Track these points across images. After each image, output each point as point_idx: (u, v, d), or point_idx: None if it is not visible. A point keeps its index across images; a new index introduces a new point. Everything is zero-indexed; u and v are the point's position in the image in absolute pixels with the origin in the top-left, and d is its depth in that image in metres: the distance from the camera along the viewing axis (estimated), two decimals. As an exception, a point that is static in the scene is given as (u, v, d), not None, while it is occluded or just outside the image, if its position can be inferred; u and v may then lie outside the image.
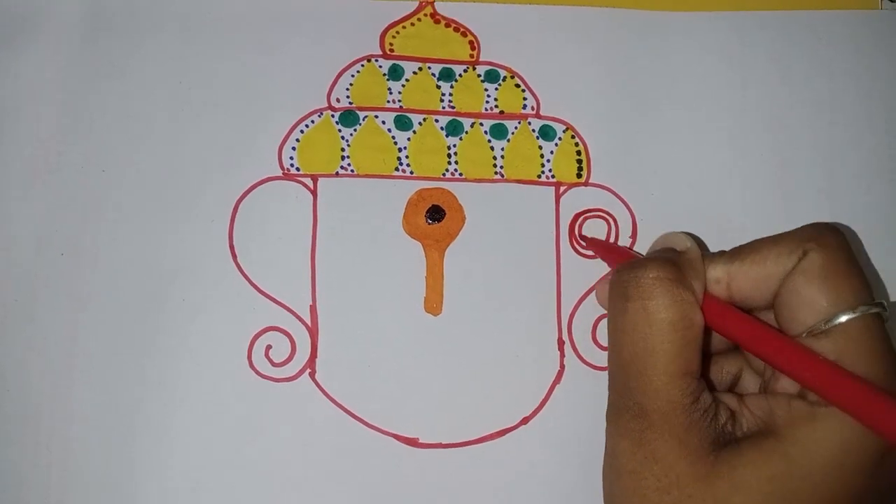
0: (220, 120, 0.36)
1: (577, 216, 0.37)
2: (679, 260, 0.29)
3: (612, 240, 0.37)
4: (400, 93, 0.37)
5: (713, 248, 0.37)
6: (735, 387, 0.32)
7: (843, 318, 0.27)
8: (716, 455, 0.27)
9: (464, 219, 0.36)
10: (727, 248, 0.36)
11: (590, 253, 0.36)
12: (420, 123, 0.36)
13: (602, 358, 0.36)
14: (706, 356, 0.31)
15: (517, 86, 0.37)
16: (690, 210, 0.37)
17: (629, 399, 0.28)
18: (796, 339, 0.28)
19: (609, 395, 0.30)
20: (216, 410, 0.34)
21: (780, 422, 0.27)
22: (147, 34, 0.36)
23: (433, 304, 0.35)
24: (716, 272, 0.29)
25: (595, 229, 0.36)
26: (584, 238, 0.36)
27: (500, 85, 0.37)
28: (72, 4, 0.36)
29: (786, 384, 0.28)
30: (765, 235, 0.37)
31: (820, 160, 0.38)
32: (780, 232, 0.37)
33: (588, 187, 0.37)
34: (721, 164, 0.37)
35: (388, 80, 0.37)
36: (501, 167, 0.37)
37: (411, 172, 0.36)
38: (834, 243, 0.28)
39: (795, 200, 0.37)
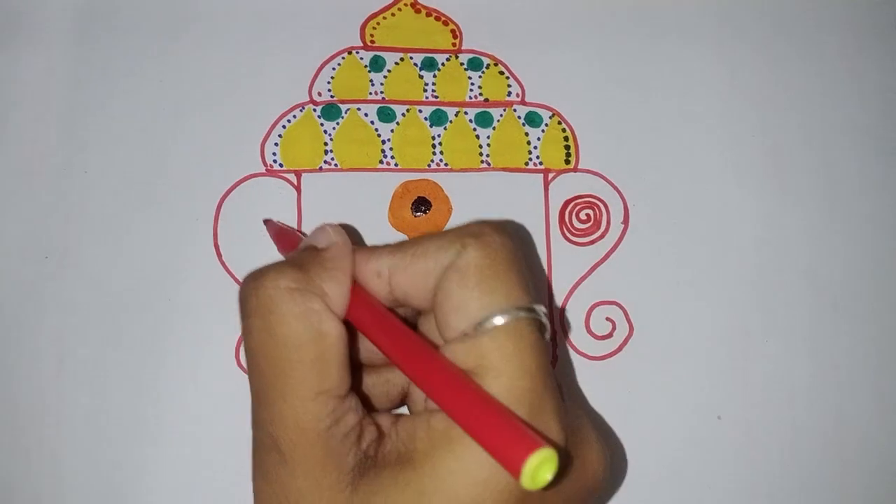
0: (202, 118, 0.35)
1: (567, 203, 0.36)
2: (309, 260, 0.25)
3: (604, 226, 0.36)
4: (382, 84, 0.36)
5: (708, 232, 0.36)
6: (405, 402, 0.29)
7: (493, 323, 0.23)
8: (353, 488, 0.23)
9: (450, 210, 0.35)
10: (724, 232, 0.36)
11: (581, 241, 0.36)
12: (403, 114, 0.36)
13: (596, 347, 0.35)
14: (357, 367, 0.27)
15: (501, 73, 0.37)
16: (684, 193, 0.36)
17: (262, 431, 0.24)
18: (432, 346, 0.24)
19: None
20: (205, 410, 0.33)
21: (420, 446, 0.23)
22: (126, 34, 0.36)
23: (422, 297, 0.35)
24: (377, 264, 0.26)
25: (586, 216, 0.36)
26: (265, 221, 0.33)
27: (483, 73, 0.37)
28: (50, 7, 0.36)
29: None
30: (759, 217, 0.36)
31: (812, 142, 0.37)
32: (772, 214, 0.36)
33: (577, 173, 0.36)
34: (712, 147, 0.37)
35: (369, 71, 0.36)
36: (488, 156, 0.36)
37: (396, 164, 0.36)
38: (495, 242, 0.24)
39: (788, 181, 0.37)
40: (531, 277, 0.25)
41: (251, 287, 0.25)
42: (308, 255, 0.26)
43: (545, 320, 0.24)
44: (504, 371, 0.23)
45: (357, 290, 0.25)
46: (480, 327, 0.23)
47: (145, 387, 0.33)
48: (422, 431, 0.24)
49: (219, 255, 0.34)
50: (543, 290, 0.35)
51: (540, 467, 0.20)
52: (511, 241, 0.25)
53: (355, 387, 0.26)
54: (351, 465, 0.24)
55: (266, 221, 0.33)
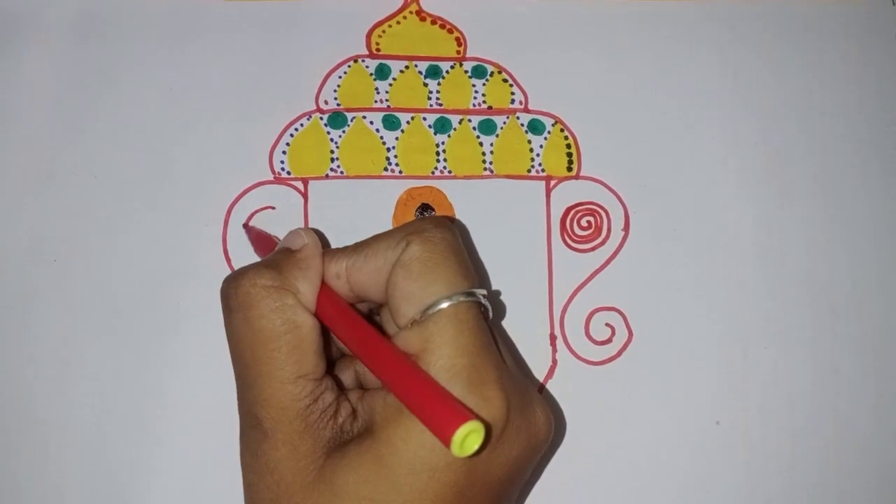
0: (211, 125, 0.36)
1: (568, 210, 0.36)
2: (283, 261, 0.28)
3: (604, 233, 0.36)
4: (387, 92, 0.37)
5: (708, 239, 0.36)
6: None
7: (437, 308, 0.26)
8: (326, 458, 0.26)
9: (453, 216, 0.36)
10: (724, 239, 0.36)
11: (582, 247, 0.36)
12: (408, 122, 0.37)
13: (595, 353, 0.35)
14: (332, 355, 0.30)
15: (504, 80, 0.37)
16: (684, 200, 0.37)
17: (247, 412, 0.27)
18: (386, 333, 0.27)
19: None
20: (213, 413, 0.34)
21: (378, 419, 0.26)
22: (137, 41, 0.37)
23: (425, 302, 0.35)
24: (336, 267, 0.29)
25: (587, 222, 0.36)
26: (245, 227, 0.35)
27: (487, 80, 0.37)
28: (63, 11, 0.37)
29: None
30: (758, 224, 0.37)
31: (812, 149, 0.37)
32: (772, 222, 0.37)
33: (579, 180, 0.37)
34: (714, 154, 0.37)
35: (375, 79, 0.37)
36: (491, 163, 0.36)
37: (400, 172, 0.36)
38: (435, 236, 0.27)
39: (789, 188, 0.37)
40: (471, 265, 0.28)
41: (232, 286, 0.28)
42: (283, 257, 0.29)
43: (485, 301, 0.27)
44: (445, 352, 0.26)
45: (323, 288, 0.28)
46: (426, 313, 0.26)
47: (153, 390, 0.34)
48: (379, 406, 0.27)
49: (227, 260, 0.35)
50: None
51: (468, 438, 0.23)
52: (451, 233, 0.28)
53: (331, 370, 0.29)
54: (327, 438, 0.27)
55: (245, 226, 0.35)
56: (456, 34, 0.37)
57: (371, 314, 0.31)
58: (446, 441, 0.23)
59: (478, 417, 0.23)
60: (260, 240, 0.34)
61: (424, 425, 0.24)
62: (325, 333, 0.28)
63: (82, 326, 0.35)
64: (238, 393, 0.28)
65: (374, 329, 0.27)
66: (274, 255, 0.29)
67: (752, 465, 0.35)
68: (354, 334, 0.27)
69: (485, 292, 0.27)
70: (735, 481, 0.35)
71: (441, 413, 0.23)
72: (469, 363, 0.26)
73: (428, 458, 0.25)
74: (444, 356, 0.26)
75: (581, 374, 0.35)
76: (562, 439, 0.35)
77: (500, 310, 0.35)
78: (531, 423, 0.27)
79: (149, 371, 0.34)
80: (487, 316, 0.28)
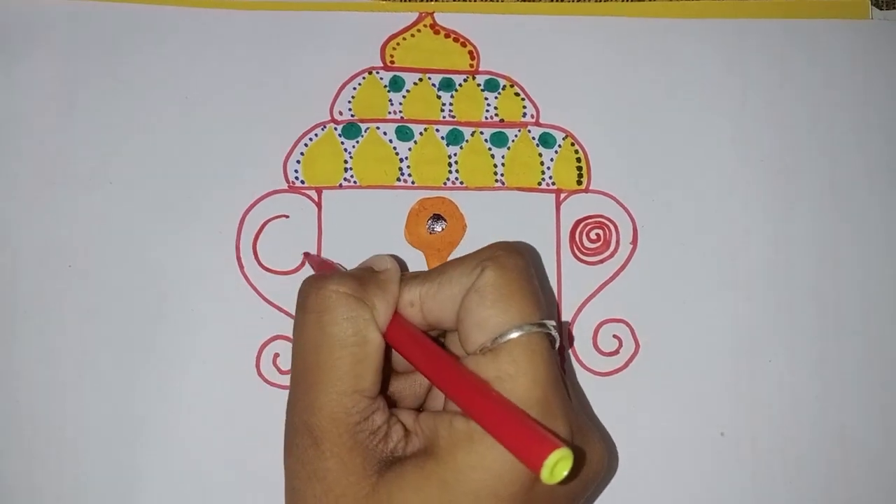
0: (226, 134, 0.37)
1: (577, 222, 0.37)
2: (367, 277, 0.29)
3: (613, 246, 0.37)
4: (401, 104, 0.37)
5: (715, 252, 0.37)
6: (426, 400, 0.32)
7: (509, 337, 0.26)
8: (379, 476, 0.26)
9: (464, 227, 0.37)
10: (730, 253, 0.37)
11: (591, 260, 0.37)
12: (421, 134, 0.37)
13: (603, 364, 0.36)
14: (386, 376, 0.30)
15: (517, 94, 0.38)
16: (692, 215, 0.37)
17: (296, 416, 0.27)
18: (458, 359, 0.27)
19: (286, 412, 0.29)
20: (225, 418, 0.35)
21: (442, 443, 0.26)
22: (153, 49, 0.37)
23: (435, 311, 0.36)
24: (410, 295, 0.29)
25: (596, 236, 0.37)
26: (305, 254, 0.35)
27: (499, 94, 0.38)
28: (80, 19, 0.37)
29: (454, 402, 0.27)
30: (767, 239, 0.37)
31: (821, 163, 0.38)
32: (779, 236, 0.37)
33: (588, 194, 0.37)
34: (722, 169, 0.37)
35: (389, 91, 0.37)
36: (502, 175, 0.37)
37: (413, 182, 0.37)
38: (509, 263, 0.27)
39: (797, 203, 0.37)
40: (542, 294, 0.28)
41: (313, 286, 0.28)
42: (367, 273, 0.29)
43: (555, 333, 0.27)
44: (519, 383, 0.26)
45: (396, 316, 0.29)
46: (497, 341, 0.26)
47: (166, 395, 0.35)
48: (444, 430, 0.26)
49: (241, 267, 0.36)
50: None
51: (557, 464, 0.23)
52: (524, 260, 0.28)
53: (384, 391, 0.29)
54: (377, 459, 0.27)
55: (306, 254, 0.35)
56: (469, 48, 0.38)
57: (435, 341, 0.31)
58: (536, 467, 0.23)
59: (568, 444, 0.23)
60: (324, 266, 0.34)
61: (511, 451, 0.24)
62: (385, 355, 0.28)
63: (96, 332, 0.35)
64: (290, 396, 0.28)
65: (452, 358, 0.27)
66: (359, 270, 0.30)
67: (757, 476, 0.36)
68: (430, 359, 0.27)
69: (554, 323, 0.27)
70: (739, 492, 0.36)
71: (531, 439, 0.23)
72: (542, 396, 0.26)
73: (494, 487, 0.25)
74: (520, 387, 0.26)
75: (588, 385, 0.36)
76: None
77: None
78: (589, 457, 0.28)
79: (161, 376, 0.35)
80: (554, 346, 0.28)
